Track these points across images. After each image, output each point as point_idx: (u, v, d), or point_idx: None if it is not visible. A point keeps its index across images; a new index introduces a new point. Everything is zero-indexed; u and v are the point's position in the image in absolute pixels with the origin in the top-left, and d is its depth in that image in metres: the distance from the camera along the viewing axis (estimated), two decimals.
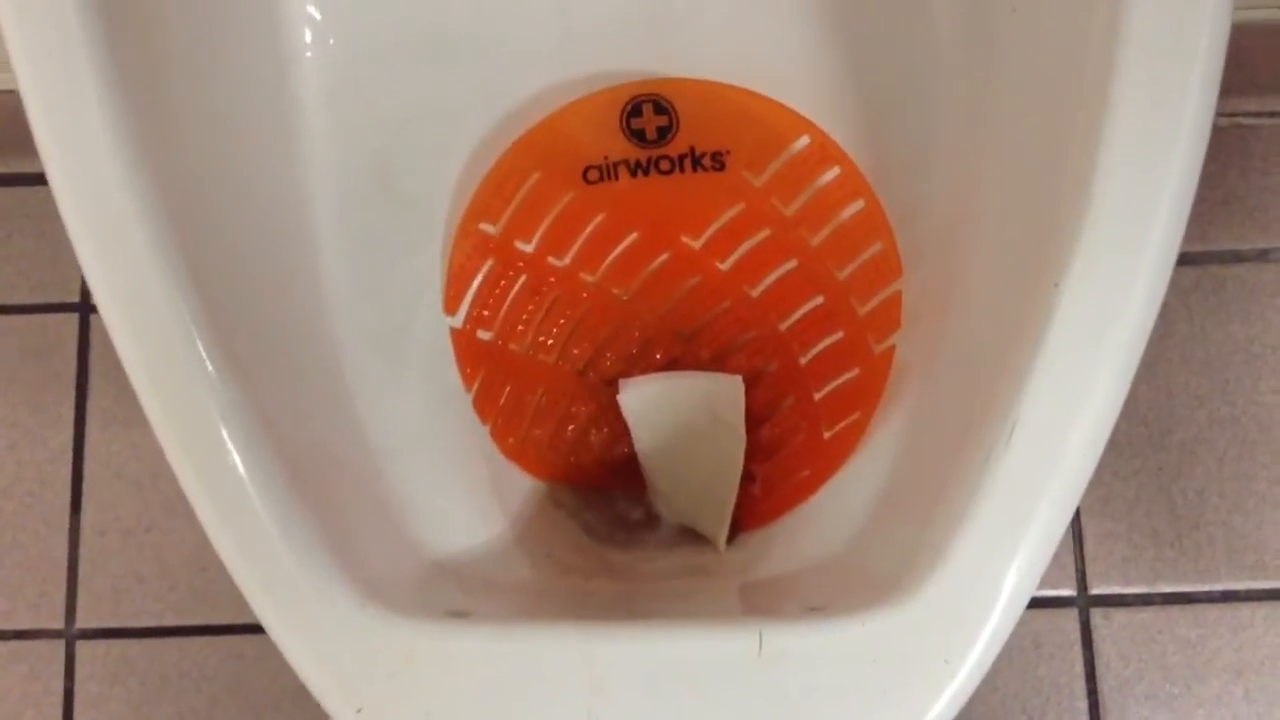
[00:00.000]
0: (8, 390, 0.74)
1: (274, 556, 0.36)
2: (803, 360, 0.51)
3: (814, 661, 0.34)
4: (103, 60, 0.36)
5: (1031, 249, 0.38)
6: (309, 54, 0.49)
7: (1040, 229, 0.38)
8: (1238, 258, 0.72)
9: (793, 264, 0.51)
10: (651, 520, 0.53)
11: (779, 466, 0.51)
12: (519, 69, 0.52)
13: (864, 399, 0.49)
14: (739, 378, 0.50)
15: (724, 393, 0.50)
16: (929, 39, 0.50)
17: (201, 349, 0.36)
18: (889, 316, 0.49)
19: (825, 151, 0.50)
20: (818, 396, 0.50)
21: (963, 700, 0.34)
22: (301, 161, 0.48)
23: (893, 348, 0.49)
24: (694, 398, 0.50)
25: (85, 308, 0.75)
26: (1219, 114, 0.75)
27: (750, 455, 0.50)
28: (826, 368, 0.50)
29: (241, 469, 0.36)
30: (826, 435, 0.50)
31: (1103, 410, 0.35)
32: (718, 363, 0.52)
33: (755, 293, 0.51)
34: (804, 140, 0.50)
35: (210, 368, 0.36)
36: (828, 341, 0.50)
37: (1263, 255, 0.72)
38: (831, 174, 0.50)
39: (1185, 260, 0.72)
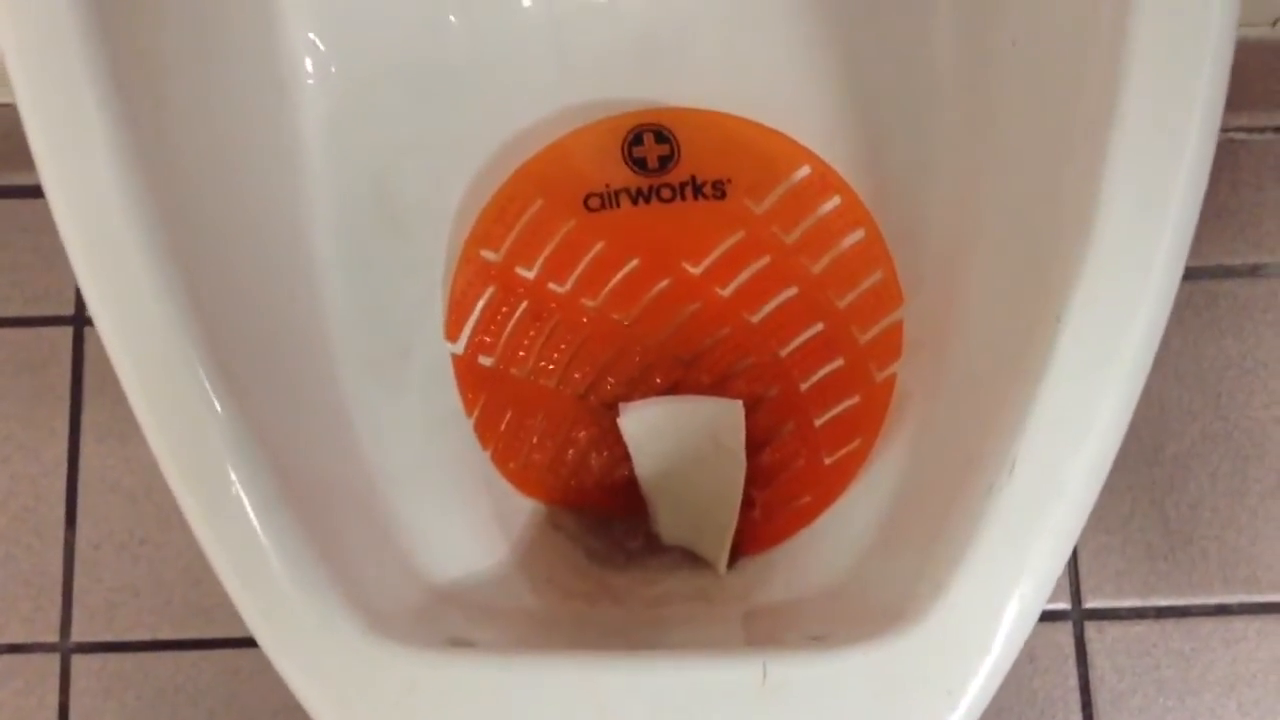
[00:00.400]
0: (1, 404, 0.73)
1: (276, 584, 0.36)
2: (803, 386, 0.51)
3: (817, 692, 0.34)
4: (102, 85, 0.36)
5: (1032, 279, 0.38)
6: (310, 81, 0.49)
7: (1041, 259, 0.38)
8: (1229, 273, 0.72)
9: (793, 291, 0.51)
10: (652, 544, 0.53)
11: (779, 492, 0.51)
12: (520, 98, 0.52)
13: (865, 426, 0.49)
14: (739, 402, 0.51)
15: (724, 417, 0.50)
16: (928, 69, 0.50)
17: (203, 377, 0.36)
18: (890, 344, 0.49)
19: (826, 181, 0.51)
20: (818, 423, 0.51)
21: None
22: (302, 188, 0.48)
23: (894, 375, 0.49)
24: (694, 422, 0.51)
25: (80, 320, 0.75)
26: None
27: (750, 480, 0.51)
28: (827, 394, 0.51)
29: (243, 497, 0.36)
30: (827, 461, 0.50)
31: (1104, 442, 0.35)
32: (718, 388, 0.52)
33: (755, 319, 0.52)
34: (804, 170, 0.51)
35: (212, 397, 0.36)
36: (828, 368, 0.51)
37: (1254, 270, 0.72)
38: (832, 203, 0.51)
39: None
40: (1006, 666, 0.35)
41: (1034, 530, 0.34)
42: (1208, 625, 0.68)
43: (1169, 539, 0.69)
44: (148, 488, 0.72)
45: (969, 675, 0.34)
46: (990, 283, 0.44)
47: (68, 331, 0.74)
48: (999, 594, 0.34)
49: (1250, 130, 0.74)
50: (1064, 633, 0.69)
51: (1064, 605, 0.69)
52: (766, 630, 0.46)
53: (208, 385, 0.36)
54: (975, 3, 0.48)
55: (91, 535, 0.72)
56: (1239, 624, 0.68)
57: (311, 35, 0.49)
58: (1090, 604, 0.69)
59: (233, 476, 0.36)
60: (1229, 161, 0.74)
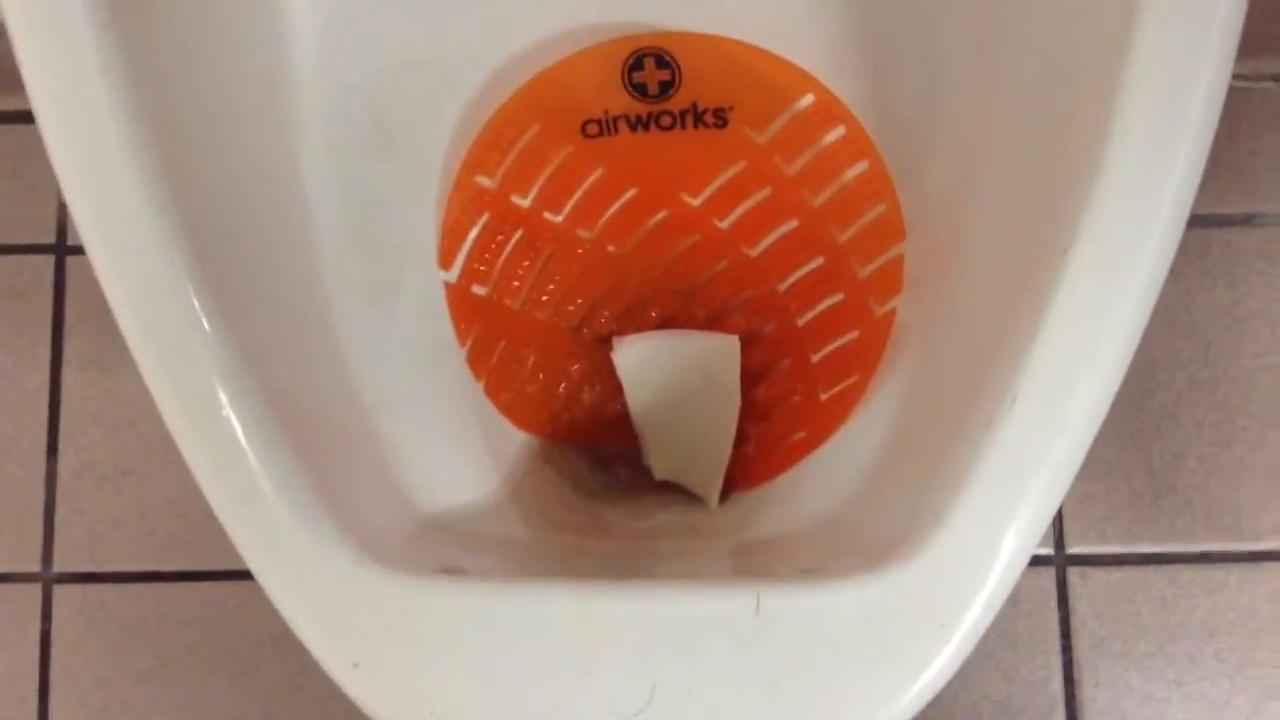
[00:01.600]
0: None
1: (268, 511, 0.35)
2: (800, 321, 0.51)
3: (810, 623, 0.34)
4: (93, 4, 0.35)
5: (1039, 214, 0.38)
6: None
7: (1048, 194, 0.37)
8: (1223, 222, 0.72)
9: (793, 224, 0.50)
10: (644, 478, 0.53)
11: (774, 428, 0.50)
12: (519, 18, 0.51)
13: (863, 361, 0.49)
14: (735, 337, 0.50)
15: (719, 352, 0.50)
16: None
17: (195, 302, 0.35)
18: (890, 279, 0.49)
19: (830, 110, 0.50)
20: (815, 358, 0.50)
21: (957, 664, 0.34)
22: (294, 110, 0.47)
23: (893, 311, 0.49)
24: (689, 357, 0.50)
25: (62, 249, 0.74)
26: None
27: (745, 416, 0.50)
28: (825, 329, 0.50)
29: (235, 423, 0.35)
30: (823, 397, 0.49)
31: (1105, 379, 0.34)
32: (714, 322, 0.52)
33: (754, 253, 0.51)
34: (808, 99, 0.50)
35: (204, 322, 0.35)
36: (827, 303, 0.50)
37: (1248, 220, 0.72)
38: (835, 134, 0.50)
39: None
40: (1001, 601, 0.34)
41: (1033, 464, 0.34)
42: (1189, 572, 0.69)
43: (1153, 486, 0.70)
44: (130, 419, 0.71)
45: (963, 609, 0.34)
46: (996, 216, 0.43)
47: (49, 260, 0.73)
48: (996, 528, 0.34)
49: (1248, 79, 0.74)
50: (1046, 577, 0.69)
51: (1047, 550, 0.69)
52: (757, 563, 0.45)
53: (197, 304, 0.35)
54: None
55: (73, 465, 0.71)
56: (1220, 572, 0.69)
57: None
58: (1073, 549, 0.69)
59: (226, 403, 0.35)
60: (1226, 110, 0.73)
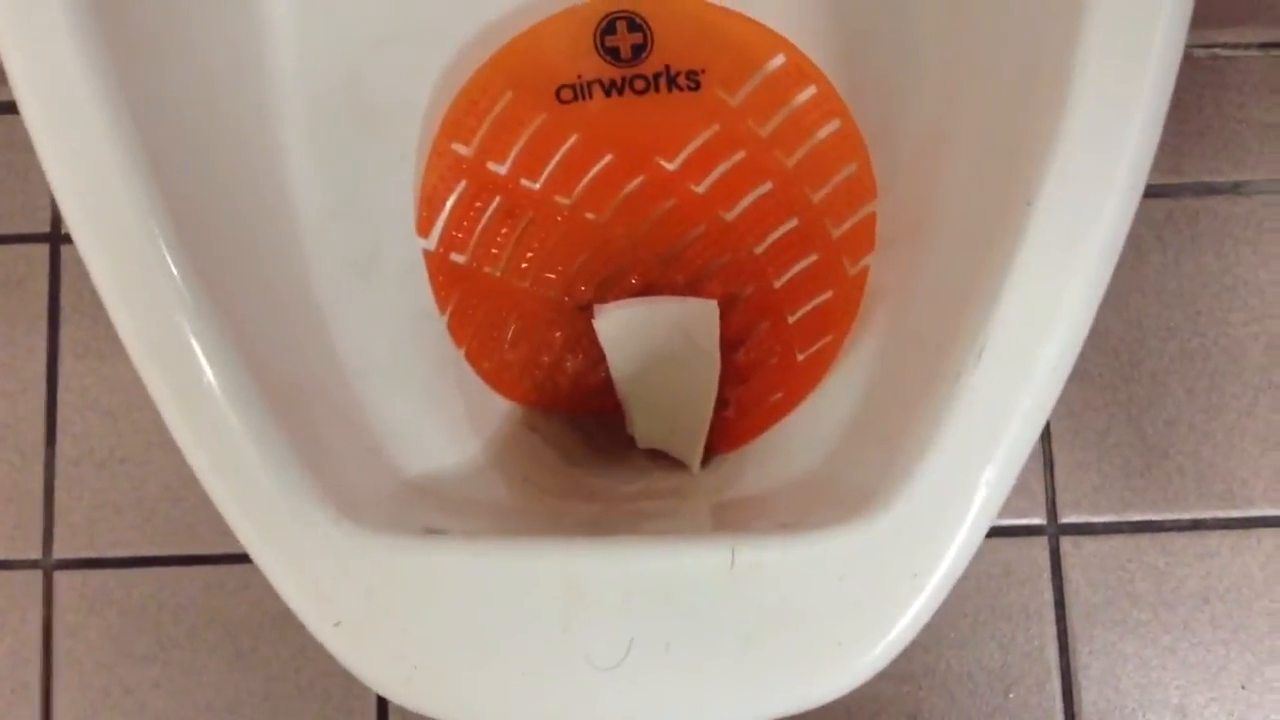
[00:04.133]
0: None
1: (249, 472, 0.35)
2: (777, 284, 0.51)
3: (785, 576, 0.35)
4: None
5: (1005, 167, 0.38)
6: None
7: (1015, 147, 0.37)
8: (1211, 190, 0.72)
9: (768, 186, 0.51)
10: (626, 444, 0.53)
11: (753, 390, 0.51)
12: None
13: (837, 321, 0.49)
14: (714, 302, 0.50)
15: (699, 317, 0.50)
16: None
17: (172, 267, 0.35)
18: (863, 238, 0.49)
19: (801, 70, 0.50)
20: (792, 319, 0.50)
21: (929, 613, 0.35)
22: (271, 77, 0.47)
23: (866, 269, 0.49)
24: (669, 323, 0.50)
25: (57, 238, 0.74)
26: (1196, 45, 0.74)
27: (724, 380, 0.51)
28: (801, 291, 0.50)
29: (215, 385, 0.35)
30: (800, 358, 0.50)
31: (1072, 328, 0.35)
32: (693, 287, 0.52)
33: (730, 216, 0.51)
34: (779, 59, 0.50)
35: (181, 285, 0.35)
36: (802, 264, 0.50)
37: (1236, 188, 0.72)
38: (807, 93, 0.50)
39: (1158, 192, 0.72)
40: (972, 550, 0.35)
41: (1001, 415, 0.34)
42: (1182, 540, 0.69)
43: (1145, 455, 0.70)
44: (126, 406, 0.72)
45: (935, 559, 0.34)
46: (965, 173, 0.43)
47: (44, 249, 0.74)
48: (966, 478, 0.34)
49: (1234, 47, 0.73)
50: (1039, 547, 0.69)
51: (1039, 520, 0.69)
52: (736, 520, 0.46)
53: (179, 279, 0.35)
54: None
55: (71, 453, 0.72)
56: (1213, 539, 0.69)
57: None
58: (1066, 519, 0.69)
59: (205, 365, 0.35)
60: (1212, 79, 0.74)
